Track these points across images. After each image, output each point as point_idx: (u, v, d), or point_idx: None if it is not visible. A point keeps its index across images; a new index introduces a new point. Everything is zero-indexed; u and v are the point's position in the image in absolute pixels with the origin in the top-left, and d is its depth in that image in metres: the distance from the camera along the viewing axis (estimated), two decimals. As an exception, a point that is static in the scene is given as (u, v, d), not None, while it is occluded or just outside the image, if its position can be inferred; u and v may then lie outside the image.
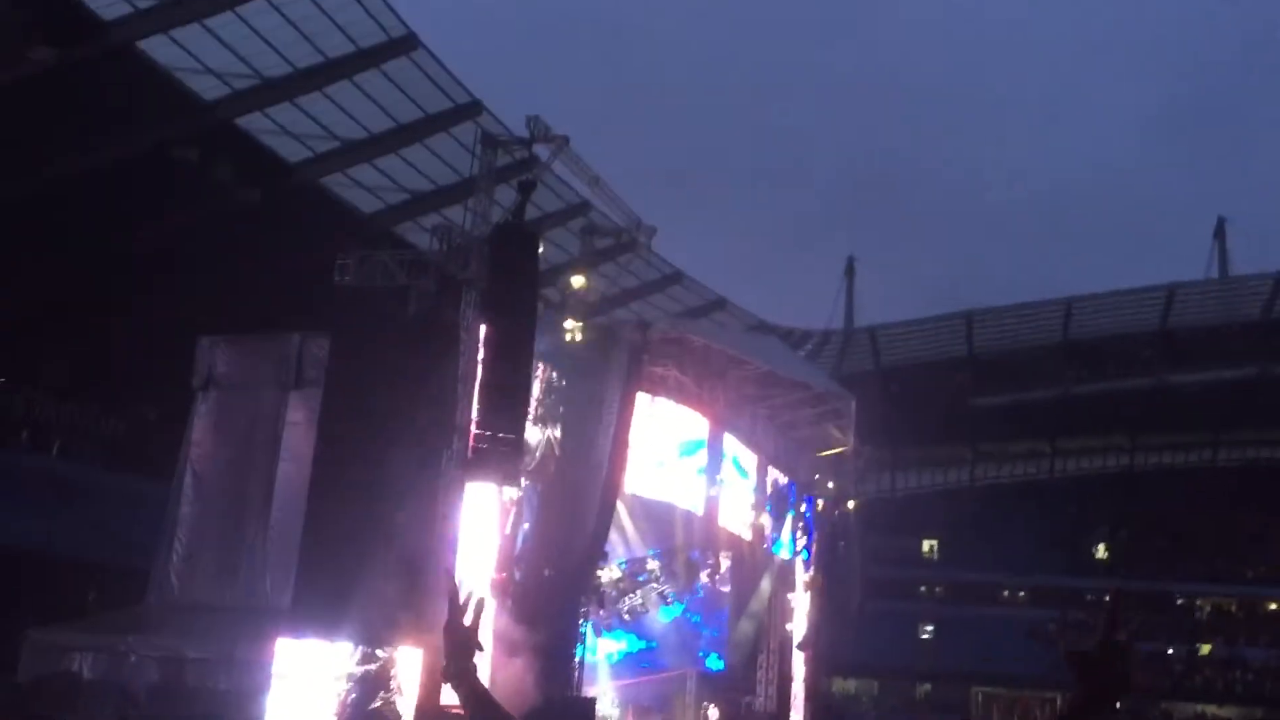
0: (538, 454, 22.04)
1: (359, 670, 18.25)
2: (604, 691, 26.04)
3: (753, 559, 31.62)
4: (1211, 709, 50.09)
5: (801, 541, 34.96)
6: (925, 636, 55.07)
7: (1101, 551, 59.27)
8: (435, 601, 18.65)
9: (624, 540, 26.42)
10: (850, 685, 52.80)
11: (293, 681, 18.07)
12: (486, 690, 3.51)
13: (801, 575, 35.24)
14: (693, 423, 28.15)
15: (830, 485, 36.22)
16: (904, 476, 57.24)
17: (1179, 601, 55.71)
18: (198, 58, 27.37)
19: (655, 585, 27.19)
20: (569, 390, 22.72)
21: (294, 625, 18.49)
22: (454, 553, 19.09)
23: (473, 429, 18.81)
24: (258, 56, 27.91)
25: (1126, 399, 50.52)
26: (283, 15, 26.92)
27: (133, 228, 29.68)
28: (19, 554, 25.85)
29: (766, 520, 32.20)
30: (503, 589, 20.46)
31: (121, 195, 28.41)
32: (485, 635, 16.36)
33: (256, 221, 30.54)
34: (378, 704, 18.34)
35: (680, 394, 27.50)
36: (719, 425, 28.96)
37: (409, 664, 18.44)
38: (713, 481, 28.75)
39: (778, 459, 33.02)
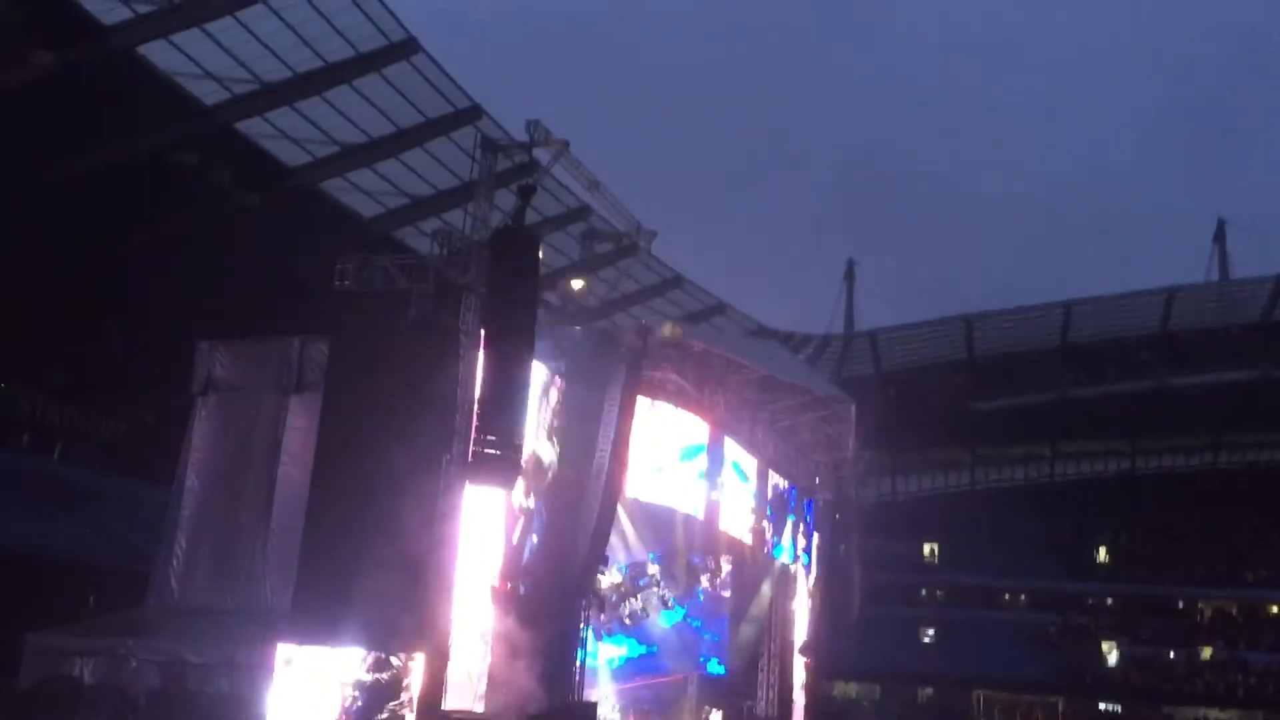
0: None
1: (369, 678, 18.12)
2: (605, 696, 25.99)
3: (753, 563, 31.59)
4: (1213, 713, 50.06)
5: (802, 546, 34.94)
6: (926, 640, 55.07)
7: (1102, 555, 59.23)
8: (437, 605, 18.66)
9: (624, 544, 26.39)
10: (851, 689, 52.78)
11: (294, 686, 18.05)
12: None
13: (802, 580, 35.21)
14: (693, 427, 28.13)
15: (831, 489, 36.22)
16: (905, 480, 57.24)
17: (1180, 605, 55.71)
18: (197, 62, 27.41)
19: (656, 590, 27.15)
20: (569, 394, 22.72)
21: (295, 629, 18.46)
22: (454, 557, 19.08)
23: (472, 434, 18.79)
24: (257, 61, 27.94)
25: (1126, 402, 50.48)
26: (282, 20, 26.96)
27: (132, 231, 29.69)
28: (19, 557, 25.85)
29: (767, 525, 32.17)
30: (506, 596, 20.46)
31: (121, 199, 28.43)
32: (487, 639, 16.25)
33: (256, 225, 30.57)
34: (384, 716, 18.23)
35: (680, 398, 27.48)
36: (719, 429, 28.94)
37: (420, 673, 18.43)
38: (713, 486, 28.72)
39: (778, 463, 33.00)
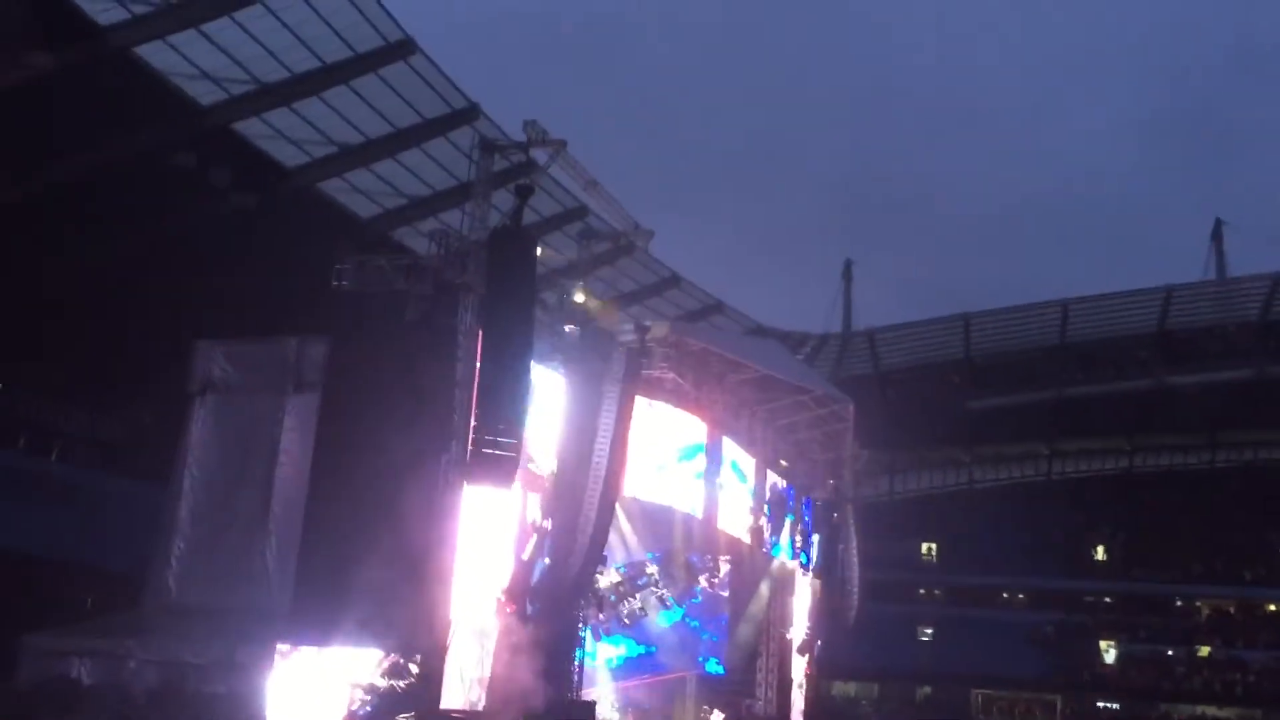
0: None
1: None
2: (604, 695, 26.02)
3: (752, 562, 31.61)
4: (1211, 710, 50.08)
5: (800, 545, 34.97)
6: (924, 639, 55.09)
7: (1100, 554, 59.24)
8: (435, 604, 18.68)
9: (623, 544, 26.41)
10: (850, 688, 52.79)
11: (295, 686, 18.05)
12: None
13: (801, 578, 35.25)
14: (691, 427, 28.16)
15: (829, 488, 36.25)
16: (902, 479, 57.26)
17: (1178, 603, 55.73)
18: (194, 63, 27.37)
19: (654, 589, 27.16)
20: (567, 394, 22.74)
21: (294, 628, 18.48)
22: (453, 556, 19.10)
23: (470, 433, 18.81)
24: (255, 62, 27.91)
25: (1124, 401, 50.54)
26: (279, 20, 26.91)
27: (130, 232, 29.66)
28: (17, 557, 25.84)
29: (765, 524, 32.21)
30: (511, 614, 20.40)
31: (119, 200, 28.38)
32: (489, 640, 16.28)
33: (254, 226, 30.53)
34: None
35: (678, 398, 27.51)
36: (717, 429, 28.97)
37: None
38: (711, 485, 28.76)
39: (776, 462, 33.04)
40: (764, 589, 32.43)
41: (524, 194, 21.38)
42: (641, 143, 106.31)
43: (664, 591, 27.42)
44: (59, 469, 30.96)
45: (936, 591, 58.09)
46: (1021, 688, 51.41)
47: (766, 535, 32.46)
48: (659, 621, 27.86)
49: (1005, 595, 57.42)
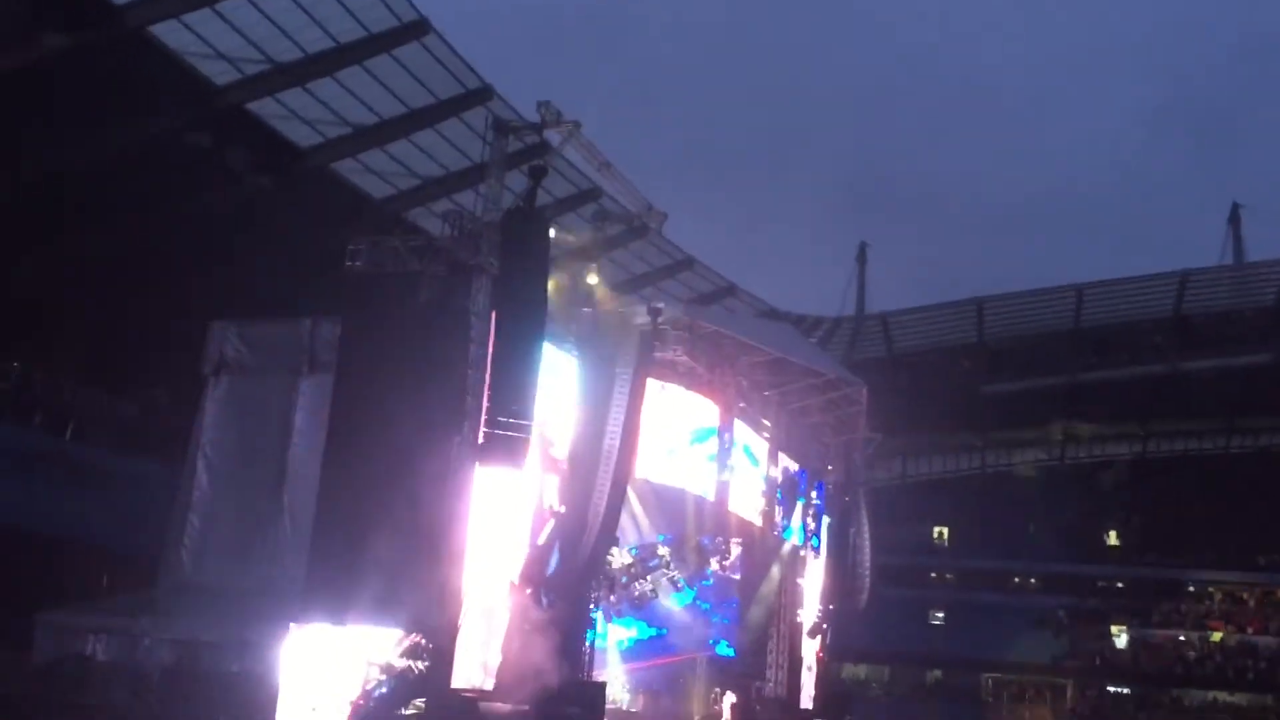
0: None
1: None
2: (615, 676, 26.08)
3: (763, 546, 31.60)
4: (1223, 696, 50.03)
5: (812, 528, 34.95)
6: (936, 623, 55.11)
7: (1113, 538, 59.14)
8: (448, 584, 18.72)
9: (635, 526, 26.43)
10: (861, 671, 52.88)
11: (310, 664, 18.12)
12: None
13: (812, 562, 35.23)
14: (704, 410, 28.14)
15: (841, 472, 36.18)
16: (915, 463, 57.10)
17: (1191, 588, 55.62)
18: (209, 43, 27.37)
19: (666, 571, 27.16)
20: (580, 376, 22.74)
21: (308, 608, 18.56)
22: (465, 537, 19.13)
23: (483, 415, 18.81)
24: (269, 42, 27.89)
25: (1138, 386, 50.27)
26: (293, 0, 26.89)
27: (145, 213, 29.73)
28: (32, 536, 25.99)
29: (777, 507, 32.20)
30: (523, 598, 20.41)
31: (134, 180, 28.45)
32: (498, 621, 16.27)
33: (268, 207, 30.60)
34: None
35: (691, 380, 27.47)
36: (730, 412, 28.94)
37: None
38: (723, 468, 28.74)
39: (789, 446, 32.99)
40: (775, 572, 32.41)
41: (537, 175, 21.32)
42: (656, 126, 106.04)
43: (675, 574, 27.43)
44: (74, 449, 31.09)
45: (948, 575, 58.05)
46: (1033, 672, 51.42)
47: (778, 518, 32.45)
48: (670, 604, 27.88)
49: (1017, 579, 57.36)
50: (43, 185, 27.72)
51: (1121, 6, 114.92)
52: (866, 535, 36.62)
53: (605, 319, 23.77)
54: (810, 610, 35.09)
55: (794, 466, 33.54)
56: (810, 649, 35.34)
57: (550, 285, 20.54)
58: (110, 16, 25.80)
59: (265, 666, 18.57)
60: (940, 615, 55.36)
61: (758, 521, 31.07)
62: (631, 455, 22.98)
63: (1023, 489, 56.21)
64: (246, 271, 30.04)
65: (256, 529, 22.36)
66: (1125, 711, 49.63)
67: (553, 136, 23.14)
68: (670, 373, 26.43)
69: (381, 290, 20.25)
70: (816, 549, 35.46)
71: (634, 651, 27.42)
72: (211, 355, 23.81)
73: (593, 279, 23.73)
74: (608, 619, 25.38)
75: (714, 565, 29.14)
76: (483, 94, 30.31)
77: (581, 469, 22.16)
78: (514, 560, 20.66)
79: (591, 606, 23.22)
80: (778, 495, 32.26)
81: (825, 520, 35.86)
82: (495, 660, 19.94)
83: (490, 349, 19.17)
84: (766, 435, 31.46)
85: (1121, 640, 53.29)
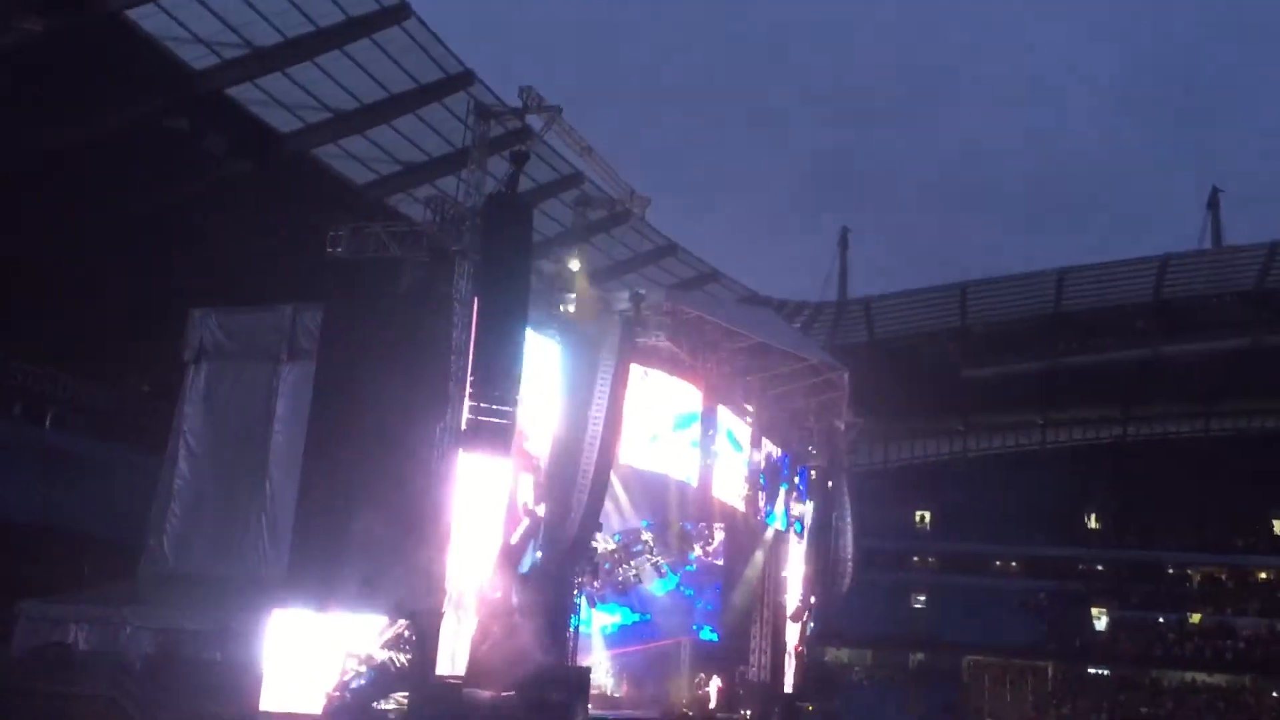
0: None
1: (382, 655, 17.84)
2: (599, 662, 26.15)
3: (746, 530, 31.70)
4: (1201, 677, 50.49)
5: (795, 513, 35.06)
6: (918, 606, 55.43)
7: (1093, 522, 59.53)
8: (431, 571, 18.69)
9: (618, 511, 26.46)
10: (843, 654, 53.14)
11: (291, 652, 18.06)
12: None
13: (795, 546, 35.35)
14: (687, 395, 28.16)
15: (823, 457, 36.28)
16: (897, 448, 57.35)
17: (1170, 571, 56.08)
18: (187, 27, 27.09)
19: (649, 557, 27.23)
20: (563, 362, 22.70)
21: (290, 595, 18.50)
22: (449, 524, 19.09)
23: (466, 401, 18.77)
24: (247, 26, 27.64)
25: (1119, 369, 50.54)
26: (271, -17, 26.69)
27: (125, 200, 29.50)
28: (12, 526, 25.87)
29: (760, 492, 32.28)
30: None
31: (112, 166, 28.21)
32: (478, 609, 15.96)
33: (248, 193, 30.38)
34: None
35: (674, 366, 27.48)
36: (712, 397, 28.97)
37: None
38: (706, 454, 28.79)
39: (771, 431, 33.06)
40: (758, 557, 32.52)
41: (520, 160, 21.25)
42: (637, 112, 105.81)
43: (659, 559, 27.50)
44: (54, 437, 30.93)
45: (930, 559, 58.40)
46: (1014, 654, 51.76)
47: (761, 503, 32.54)
48: (654, 589, 27.95)
49: (998, 563, 57.75)
50: (20, 171, 27.44)
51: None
52: (849, 520, 36.76)
53: (588, 305, 23.75)
54: (793, 594, 35.23)
55: (777, 451, 33.61)
56: (794, 633, 35.50)
57: (532, 271, 20.49)
58: (87, 0, 25.53)
59: (247, 654, 18.50)
60: (922, 599, 55.68)
61: (741, 507, 31.14)
62: (615, 441, 22.97)
63: (1004, 472, 56.48)
64: (226, 258, 29.85)
65: (238, 517, 22.28)
66: (1105, 692, 50.03)
67: (535, 122, 23.07)
68: (653, 358, 26.43)
69: (363, 276, 20.17)
70: (800, 534, 35.58)
71: (618, 637, 27.50)
72: (191, 343, 23.69)
73: (575, 264, 23.71)
74: (591, 605, 25.42)
75: (697, 551, 29.22)
76: (464, 79, 30.14)
77: (565, 455, 22.13)
78: (490, 555, 20.23)
79: (576, 592, 23.24)
80: (760, 480, 32.33)
81: (808, 505, 35.97)
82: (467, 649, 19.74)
83: (473, 335, 19.11)
84: (749, 420, 31.50)
85: (1101, 622, 53.71)
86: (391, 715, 17.72)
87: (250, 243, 29.95)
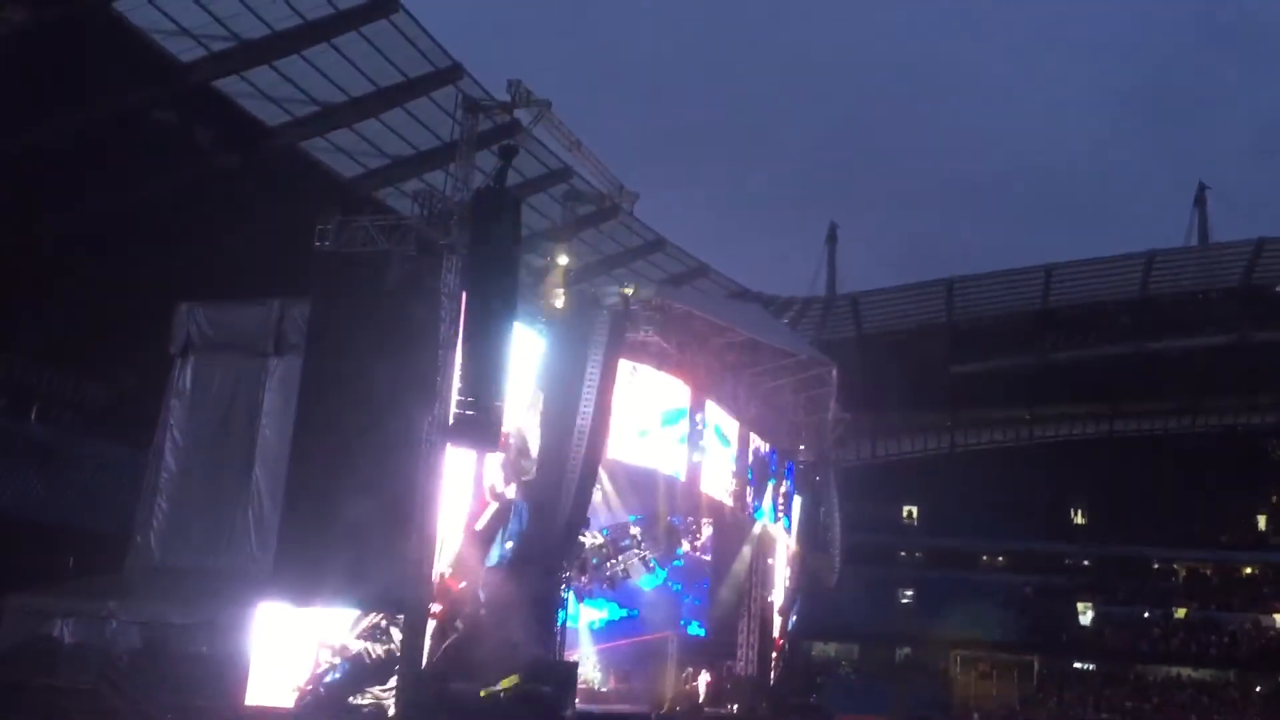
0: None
1: (356, 647, 17.68)
2: (586, 656, 26.18)
3: (734, 525, 31.76)
4: (1186, 671, 50.68)
5: (782, 508, 35.13)
6: (905, 601, 55.53)
7: (1079, 517, 59.77)
8: (418, 565, 18.68)
9: (606, 506, 26.50)
10: (830, 649, 53.22)
11: (277, 646, 18.03)
12: None
13: (782, 541, 35.42)
14: (675, 390, 28.18)
15: (811, 452, 36.36)
16: (884, 443, 57.45)
17: (1155, 566, 56.31)
18: (175, 19, 26.97)
19: (637, 551, 27.27)
20: (550, 357, 22.69)
21: (277, 590, 18.47)
22: (435, 518, 19.09)
23: (454, 395, 18.76)
24: (236, 18, 27.52)
25: (1105, 365, 50.74)
26: (259, -25, 26.58)
27: (110, 192, 29.36)
28: (-2, 519, 25.73)
29: (748, 487, 32.32)
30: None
31: (99, 159, 28.08)
32: (459, 605, 15.92)
33: (236, 187, 30.26)
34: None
35: (662, 361, 27.50)
36: (701, 393, 29.00)
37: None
38: (695, 448, 28.82)
39: (759, 426, 33.11)
40: (746, 552, 32.58)
41: (508, 154, 21.25)
42: (625, 107, 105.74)
43: (647, 554, 27.53)
44: (38, 430, 30.78)
45: (917, 554, 58.50)
46: (999, 649, 51.87)
47: (749, 498, 32.60)
48: (642, 584, 28.00)
49: (985, 558, 57.93)
50: (6, 164, 27.28)
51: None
52: (837, 515, 36.85)
53: (576, 299, 23.74)
54: (781, 589, 35.31)
55: (765, 447, 33.67)
56: (781, 627, 35.59)
57: (521, 265, 20.46)
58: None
59: (234, 648, 18.50)
60: (909, 593, 55.78)
61: (729, 502, 31.19)
62: (603, 435, 23.00)
63: (991, 468, 56.65)
64: (214, 251, 29.73)
65: (225, 511, 22.23)
66: (1090, 687, 50.20)
67: (523, 116, 23.02)
68: (641, 353, 26.45)
69: (351, 270, 20.11)
70: (787, 529, 35.66)
71: (606, 632, 27.54)
72: (179, 337, 23.60)
73: (564, 259, 23.69)
74: (579, 599, 25.47)
75: (685, 545, 29.27)
76: (452, 72, 30.08)
77: (553, 449, 22.14)
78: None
79: (563, 587, 23.25)
80: (749, 475, 32.38)
81: (796, 500, 36.05)
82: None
83: (461, 329, 19.11)
84: (737, 416, 31.54)
85: (1087, 617, 53.91)
86: (366, 709, 17.33)
87: (237, 236, 29.86)
